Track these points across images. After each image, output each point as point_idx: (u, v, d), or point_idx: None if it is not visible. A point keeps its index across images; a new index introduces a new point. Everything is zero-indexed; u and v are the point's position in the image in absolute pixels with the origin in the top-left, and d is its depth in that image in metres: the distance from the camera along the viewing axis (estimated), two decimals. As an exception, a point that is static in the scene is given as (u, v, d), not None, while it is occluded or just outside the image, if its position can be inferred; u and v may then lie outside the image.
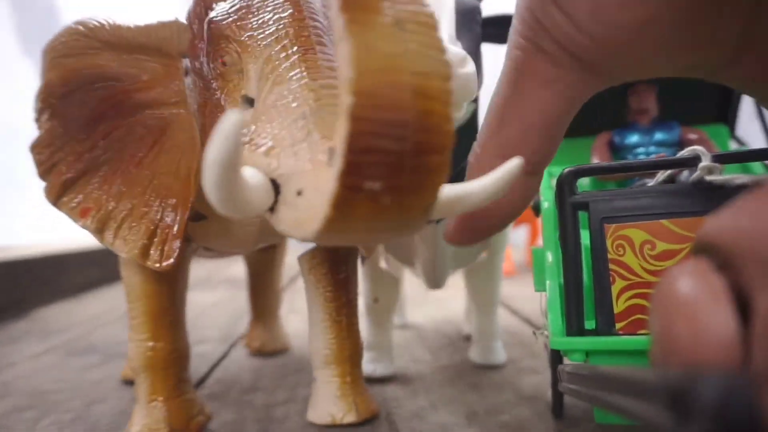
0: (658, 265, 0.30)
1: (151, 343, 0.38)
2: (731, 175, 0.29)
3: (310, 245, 0.42)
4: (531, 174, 0.27)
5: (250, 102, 0.29)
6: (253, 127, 0.28)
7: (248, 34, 0.30)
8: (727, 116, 0.50)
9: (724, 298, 0.16)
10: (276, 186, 0.25)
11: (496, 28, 0.41)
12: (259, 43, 0.29)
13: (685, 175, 0.34)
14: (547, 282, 0.36)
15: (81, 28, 0.36)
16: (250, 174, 0.24)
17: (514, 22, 0.26)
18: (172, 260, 0.35)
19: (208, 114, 0.33)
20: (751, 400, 0.12)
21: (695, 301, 0.16)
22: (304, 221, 0.22)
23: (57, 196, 0.36)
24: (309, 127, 0.25)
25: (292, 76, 0.27)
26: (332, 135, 0.23)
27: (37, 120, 0.35)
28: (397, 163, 0.19)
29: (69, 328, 0.84)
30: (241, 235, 0.41)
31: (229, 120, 0.20)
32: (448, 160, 0.20)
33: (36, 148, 0.36)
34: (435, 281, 0.46)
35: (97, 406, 0.48)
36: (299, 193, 0.23)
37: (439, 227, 0.42)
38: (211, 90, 0.32)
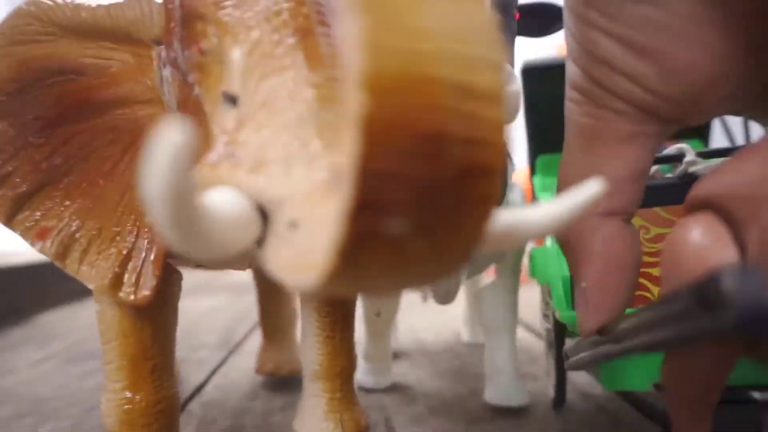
0: (653, 247, 0.34)
1: (128, 394, 0.32)
2: (710, 164, 0.33)
3: None
4: (630, 222, 0.27)
5: (232, 100, 0.23)
6: (236, 136, 0.22)
7: (230, 12, 0.23)
8: (702, 132, 0.56)
9: (728, 241, 0.20)
10: (265, 214, 0.19)
11: (534, 19, 0.38)
12: (244, 23, 0.22)
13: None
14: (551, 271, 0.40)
15: (33, 9, 0.29)
16: (228, 199, 0.19)
17: (572, 93, 0.27)
18: (148, 292, 0.30)
19: (190, 114, 0.26)
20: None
21: (704, 244, 0.20)
22: (299, 266, 0.16)
23: (9, 213, 0.30)
24: (307, 134, 0.19)
25: (286, 66, 0.21)
26: (338, 145, 0.17)
27: None
28: (431, 193, 0.14)
29: (68, 334, 0.83)
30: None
31: (165, 143, 0.14)
32: (499, 185, 0.15)
33: None
34: (448, 295, 0.41)
35: (96, 413, 0.48)
36: (293, 226, 0.17)
37: None
38: (188, 85, 0.26)
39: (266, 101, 0.21)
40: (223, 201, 0.18)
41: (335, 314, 0.37)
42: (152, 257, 0.30)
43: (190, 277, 0.44)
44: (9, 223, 0.30)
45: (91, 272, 0.30)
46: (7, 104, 0.29)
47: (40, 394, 0.55)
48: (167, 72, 0.28)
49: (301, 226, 0.17)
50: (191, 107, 0.25)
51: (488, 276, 0.56)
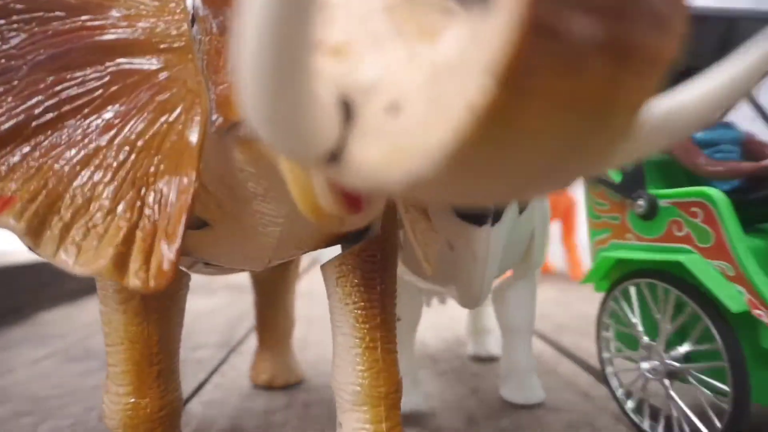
0: None
1: (132, 400, 0.30)
2: None
3: (334, 252, 0.33)
4: None
5: None
6: None
7: None
8: None
9: None
10: (347, 109, 0.15)
11: None
12: None
13: None
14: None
15: None
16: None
17: None
18: (167, 278, 0.23)
19: (222, 67, 0.22)
20: None
21: None
22: (406, 155, 0.13)
23: None
24: (397, 20, 0.16)
25: None
26: (438, 31, 0.14)
27: None
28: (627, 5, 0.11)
29: (68, 333, 0.83)
30: (255, 247, 0.30)
31: None
32: (683, 27, 0.12)
33: None
34: (478, 298, 0.37)
35: (96, 412, 0.48)
36: (395, 109, 0.14)
37: (494, 231, 0.35)
38: (222, 32, 0.22)
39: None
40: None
41: (374, 319, 0.31)
42: (168, 233, 0.24)
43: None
44: None
45: (76, 253, 0.23)
46: None
47: (39, 393, 0.55)
48: (195, 30, 0.25)
49: (409, 106, 0.14)
50: (224, 59, 0.22)
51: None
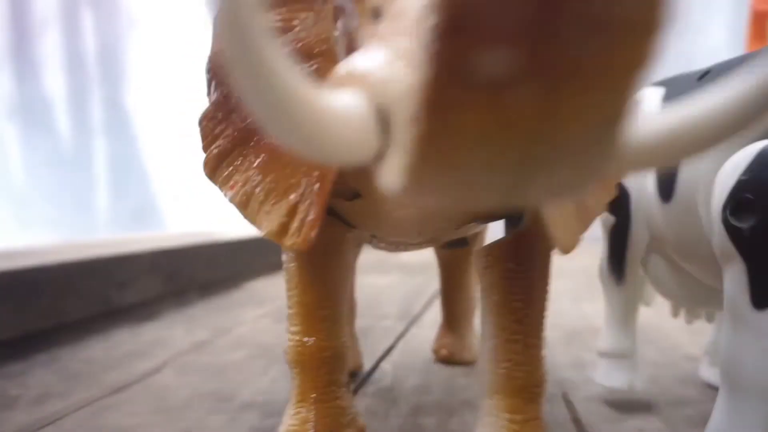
0: None
1: (303, 338, 0.34)
2: None
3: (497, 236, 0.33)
4: None
5: (376, 14, 0.21)
6: (377, 35, 0.19)
7: None
8: None
9: None
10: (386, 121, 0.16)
11: None
12: None
13: None
14: None
15: None
16: (349, 100, 0.16)
17: None
18: (308, 241, 0.29)
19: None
20: None
21: None
22: (392, 166, 0.14)
23: (213, 169, 0.32)
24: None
25: None
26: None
27: (207, 93, 0.32)
28: (549, 11, 0.09)
29: (276, 297, 0.90)
30: (397, 220, 0.32)
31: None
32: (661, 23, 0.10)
33: (202, 120, 0.32)
34: None
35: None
36: (403, 123, 0.14)
37: None
38: (353, 32, 0.25)
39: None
40: (343, 101, 0.16)
41: (518, 311, 0.31)
42: (313, 209, 0.29)
43: (364, 257, 0.53)
44: (212, 177, 0.32)
45: (264, 220, 0.30)
46: (222, 75, 0.30)
47: (265, 342, 0.65)
48: (340, 23, 0.26)
49: (402, 120, 0.14)
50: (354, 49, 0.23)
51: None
